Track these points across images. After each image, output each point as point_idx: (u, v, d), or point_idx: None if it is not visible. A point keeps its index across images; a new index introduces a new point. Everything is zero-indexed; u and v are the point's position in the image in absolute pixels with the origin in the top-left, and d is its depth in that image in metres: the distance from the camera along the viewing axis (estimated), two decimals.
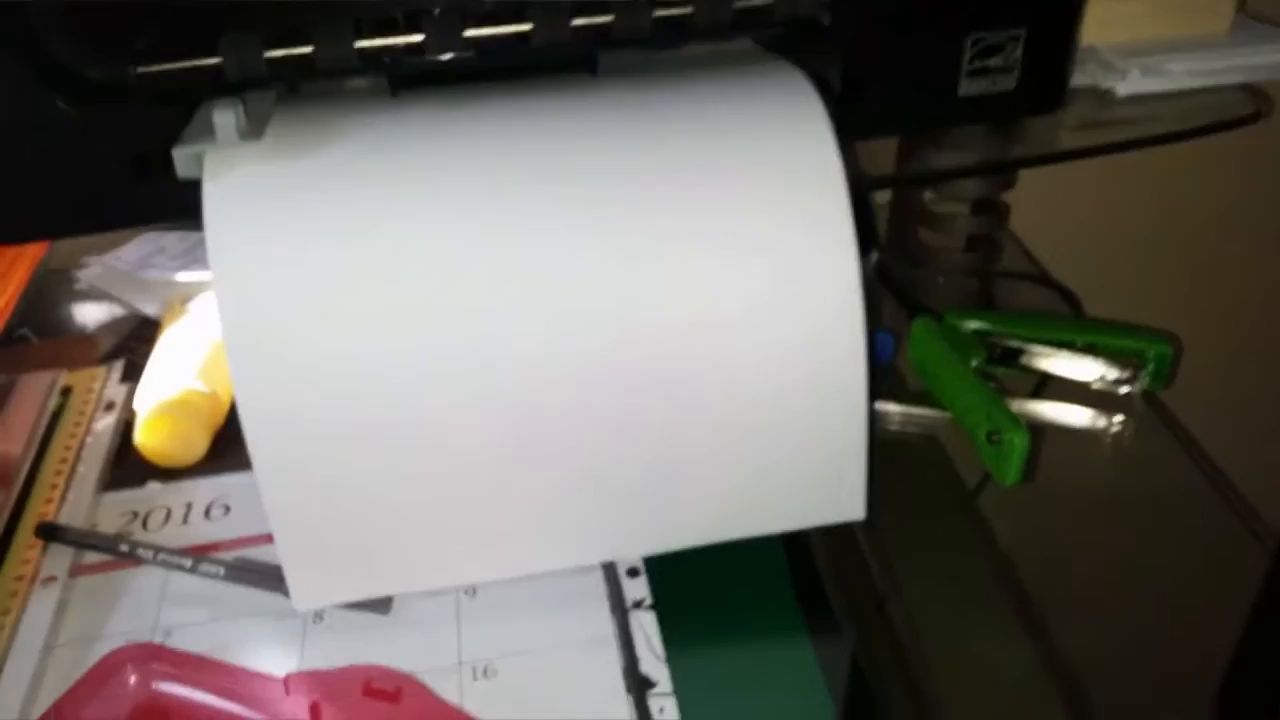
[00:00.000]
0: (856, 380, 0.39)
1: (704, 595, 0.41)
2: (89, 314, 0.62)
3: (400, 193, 0.37)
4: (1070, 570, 0.43)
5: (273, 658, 0.39)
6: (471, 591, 0.41)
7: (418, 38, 0.38)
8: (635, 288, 0.37)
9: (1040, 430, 0.48)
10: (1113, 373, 0.49)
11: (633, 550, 0.41)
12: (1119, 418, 0.49)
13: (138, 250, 0.66)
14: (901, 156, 0.51)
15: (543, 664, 0.38)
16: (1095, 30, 0.49)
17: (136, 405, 0.50)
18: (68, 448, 0.49)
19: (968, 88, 0.41)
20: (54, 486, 0.47)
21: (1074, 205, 0.66)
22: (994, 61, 0.41)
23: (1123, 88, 0.52)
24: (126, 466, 0.49)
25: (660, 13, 0.38)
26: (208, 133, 0.36)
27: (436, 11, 0.37)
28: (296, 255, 0.36)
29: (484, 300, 0.36)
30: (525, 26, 0.38)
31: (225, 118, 0.35)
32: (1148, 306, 0.52)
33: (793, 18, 0.39)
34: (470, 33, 0.38)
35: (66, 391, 0.53)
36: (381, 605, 0.41)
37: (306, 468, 0.37)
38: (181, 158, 0.36)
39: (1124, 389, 0.49)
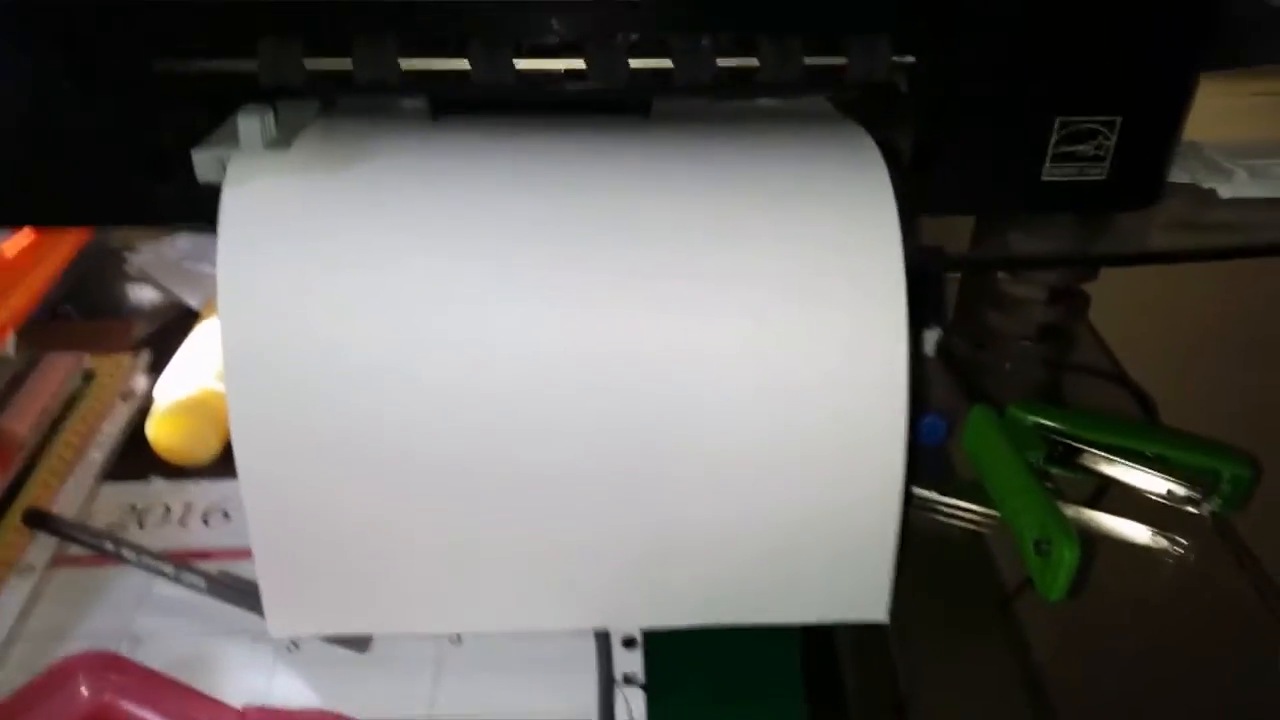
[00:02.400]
0: (892, 471, 0.35)
1: (704, 676, 0.38)
2: (133, 298, 0.61)
3: (425, 223, 0.35)
4: (1109, 699, 0.39)
5: (240, 682, 0.37)
6: (457, 639, 0.39)
7: (464, 64, 0.35)
8: (660, 347, 0.34)
9: (1094, 542, 0.44)
10: (1182, 489, 0.46)
11: (629, 621, 0.39)
12: (1183, 539, 0.45)
13: (192, 240, 0.65)
14: (978, 234, 0.48)
15: None
16: (1202, 125, 0.45)
17: (155, 397, 0.48)
18: (78, 433, 0.48)
19: (1052, 173, 0.38)
20: (54, 472, 0.45)
21: (1161, 304, 0.62)
22: (1083, 148, 0.37)
23: (1226, 190, 0.49)
24: (134, 459, 0.47)
25: (723, 63, 0.36)
26: (234, 138, 0.34)
27: (488, 39, 0.35)
28: (307, 274, 0.34)
29: (496, 344, 0.34)
30: (579, 64, 0.36)
31: (250, 123, 0.34)
32: (1228, 423, 0.48)
33: (867, 81, 0.36)
34: (522, 64, 0.36)
35: (89, 375, 0.52)
36: (360, 643, 0.38)
37: (294, 491, 0.35)
38: (202, 160, 0.34)
39: (1192, 508, 0.45)
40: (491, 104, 0.39)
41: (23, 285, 0.49)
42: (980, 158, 0.38)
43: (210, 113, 0.37)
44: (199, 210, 0.34)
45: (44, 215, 0.37)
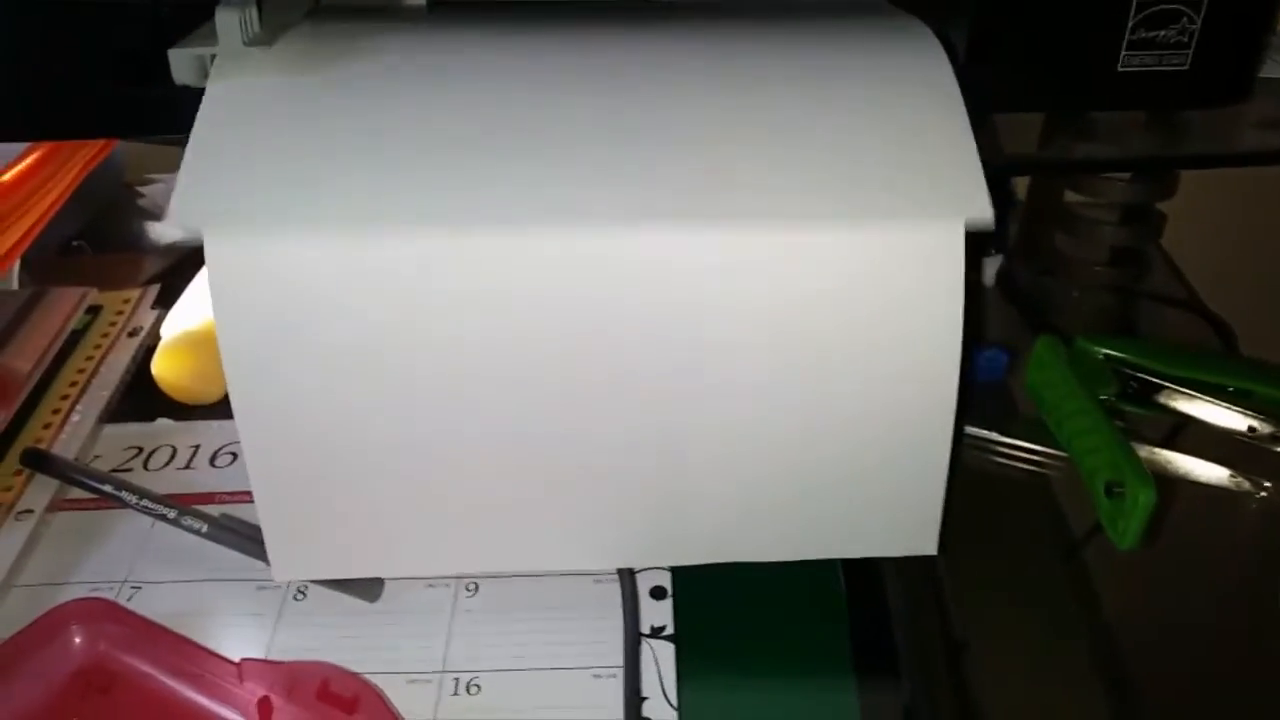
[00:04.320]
0: (944, 397, 0.32)
1: (738, 625, 0.35)
2: (149, 235, 0.59)
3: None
4: (1183, 653, 0.36)
5: (241, 633, 0.35)
6: (473, 587, 0.36)
7: None
8: (696, 266, 0.31)
9: (1171, 485, 0.41)
10: (1268, 427, 0.42)
11: (658, 558, 0.36)
12: (1268, 481, 0.41)
13: None
14: (1044, 145, 0.43)
15: (534, 687, 0.33)
16: None
17: (163, 333, 0.46)
18: (81, 370, 0.46)
19: (1129, 63, 0.34)
20: (56, 411, 0.43)
21: (1242, 224, 0.57)
22: (1165, 33, 0.33)
23: None
24: (140, 397, 0.45)
25: None
26: (213, 36, 0.31)
27: None
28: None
29: (506, 254, 0.31)
30: None
31: (229, 17, 0.31)
32: None
33: None
34: None
35: (95, 310, 0.49)
36: (370, 589, 0.36)
37: (295, 421, 0.32)
38: (179, 60, 0.31)
39: (1278, 447, 0.42)
40: None
41: (23, 214, 0.46)
42: (1046, 47, 0.34)
43: (195, 14, 0.33)
44: (181, 119, 0.31)
45: (7, 129, 0.34)
